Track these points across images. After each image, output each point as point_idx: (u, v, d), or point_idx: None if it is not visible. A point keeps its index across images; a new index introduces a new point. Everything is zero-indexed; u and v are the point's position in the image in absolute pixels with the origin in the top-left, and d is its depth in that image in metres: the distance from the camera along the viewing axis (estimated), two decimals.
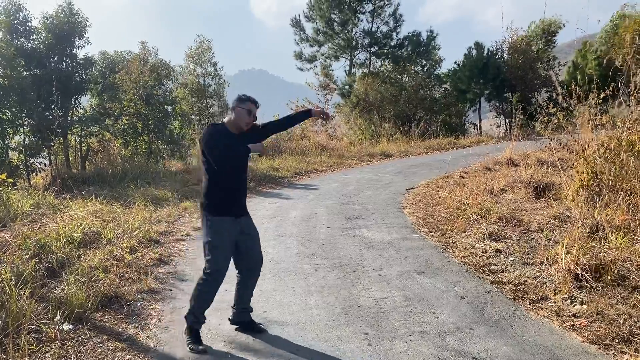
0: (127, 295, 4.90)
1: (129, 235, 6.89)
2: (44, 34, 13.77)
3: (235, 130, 3.88)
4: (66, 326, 4.11)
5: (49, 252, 5.62)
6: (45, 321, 4.11)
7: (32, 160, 12.84)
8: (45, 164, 13.66)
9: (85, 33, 14.24)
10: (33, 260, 5.19)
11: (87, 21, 14.30)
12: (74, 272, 5.15)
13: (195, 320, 3.90)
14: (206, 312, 3.94)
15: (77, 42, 14.15)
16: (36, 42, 13.72)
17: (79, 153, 14.71)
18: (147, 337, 4.12)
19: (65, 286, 4.81)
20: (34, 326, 4.01)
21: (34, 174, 12.84)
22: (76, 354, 3.75)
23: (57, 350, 3.75)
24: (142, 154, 15.08)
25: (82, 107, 14.75)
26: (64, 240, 6.25)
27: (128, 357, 3.76)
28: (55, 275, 5.28)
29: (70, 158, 14.40)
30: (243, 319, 4.14)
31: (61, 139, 13.79)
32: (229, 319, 4.23)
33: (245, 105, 3.87)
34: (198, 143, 3.85)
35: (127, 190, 10.40)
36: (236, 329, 4.15)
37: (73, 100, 14.26)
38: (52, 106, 13.61)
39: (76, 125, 14.33)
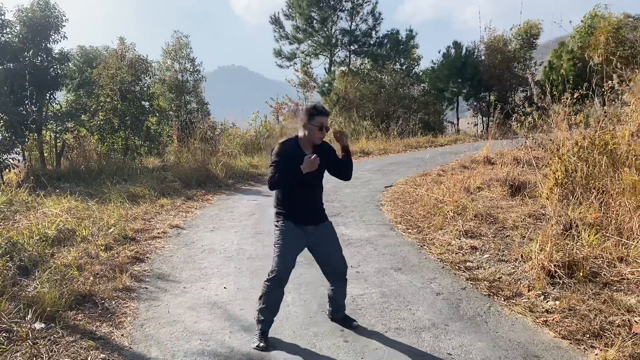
0: (102, 294, 4.83)
1: (104, 233, 6.79)
2: (18, 28, 13.44)
3: (306, 146, 3.87)
4: (38, 325, 4.03)
5: (21, 250, 5.51)
6: (16, 320, 4.03)
7: (5, 156, 12.50)
8: (18, 160, 13.35)
9: (61, 27, 13.92)
10: (4, 258, 5.10)
11: (64, 15, 13.99)
12: (47, 270, 5.06)
13: (266, 322, 3.95)
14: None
15: (53, 37, 13.84)
16: (10, 36, 13.39)
17: (53, 149, 14.38)
18: (122, 335, 4.07)
19: (37, 284, 4.73)
20: (4, 325, 3.93)
21: (7, 170, 12.54)
22: (48, 353, 3.69)
23: (29, 350, 3.68)
24: (118, 151, 14.85)
25: (57, 102, 14.42)
26: (37, 237, 6.14)
27: (102, 355, 3.71)
28: (27, 273, 5.18)
29: (45, 154, 14.07)
30: (338, 317, 4.25)
31: (35, 134, 13.48)
32: (327, 315, 4.32)
33: (316, 122, 3.79)
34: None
35: (103, 187, 10.25)
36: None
37: (48, 95, 13.93)
38: (26, 101, 13.29)
39: (51, 121, 14.00)
